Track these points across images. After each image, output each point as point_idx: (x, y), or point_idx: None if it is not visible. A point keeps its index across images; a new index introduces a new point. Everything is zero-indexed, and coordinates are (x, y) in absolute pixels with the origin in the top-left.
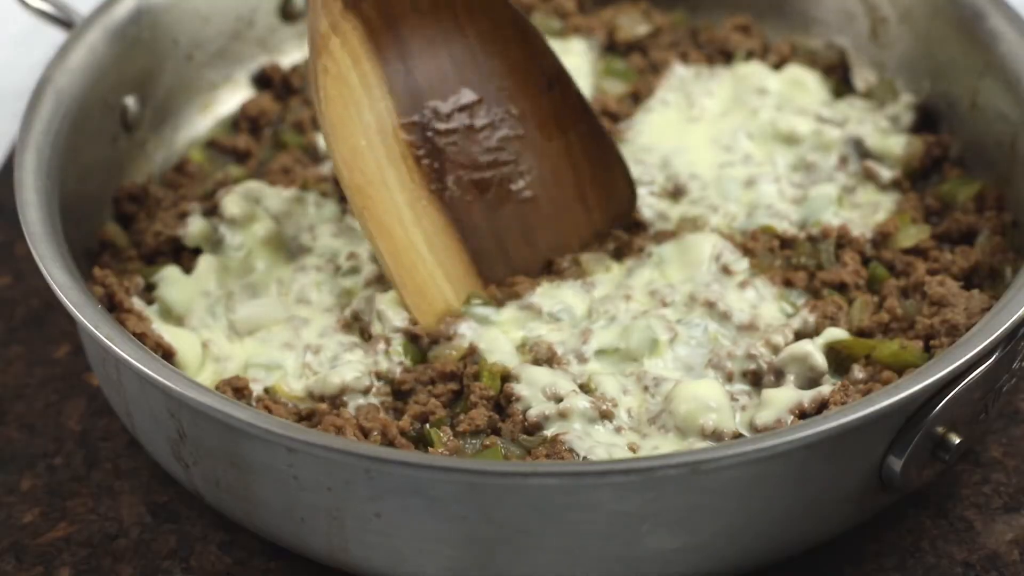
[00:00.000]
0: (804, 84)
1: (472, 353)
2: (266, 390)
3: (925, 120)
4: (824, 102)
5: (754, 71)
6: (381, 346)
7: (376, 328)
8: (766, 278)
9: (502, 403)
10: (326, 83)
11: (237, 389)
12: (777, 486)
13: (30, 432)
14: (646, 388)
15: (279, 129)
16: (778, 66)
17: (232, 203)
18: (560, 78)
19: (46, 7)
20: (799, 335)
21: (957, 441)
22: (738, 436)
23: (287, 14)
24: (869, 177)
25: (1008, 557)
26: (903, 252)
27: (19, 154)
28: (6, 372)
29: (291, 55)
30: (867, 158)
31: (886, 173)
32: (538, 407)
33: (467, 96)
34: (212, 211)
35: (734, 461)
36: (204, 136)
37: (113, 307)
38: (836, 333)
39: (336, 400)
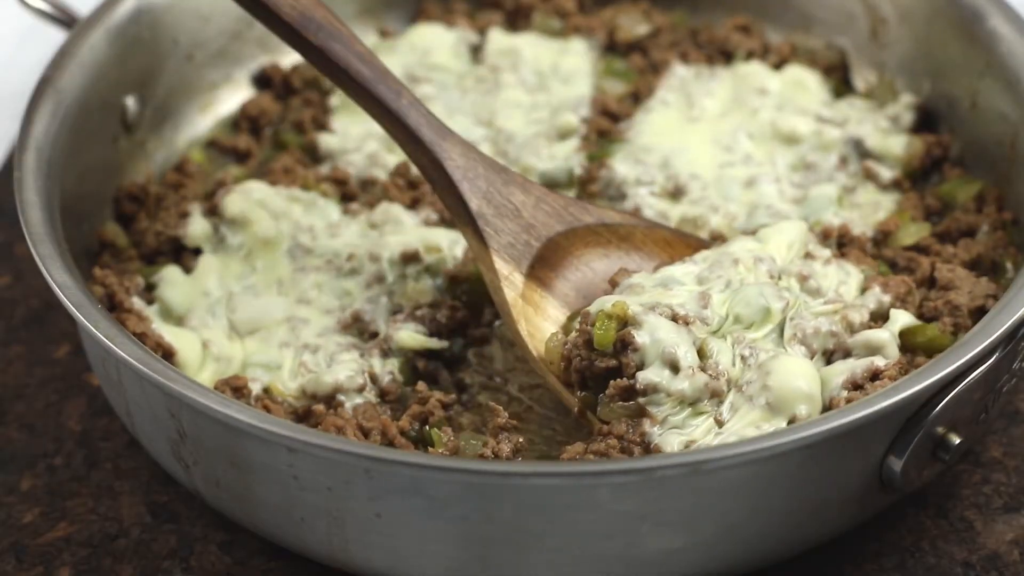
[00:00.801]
0: (804, 84)
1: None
2: (265, 389)
3: (925, 120)
4: (824, 102)
5: (754, 71)
6: (377, 352)
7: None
8: (848, 261)
9: (617, 347)
10: (526, 330)
11: (236, 388)
12: (777, 486)
13: (30, 432)
14: (743, 358)
15: (279, 129)
16: (778, 66)
17: (232, 203)
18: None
19: (46, 7)
20: (874, 315)
21: (957, 441)
22: None
23: None
24: (869, 177)
25: (1008, 557)
26: (904, 250)
27: (19, 154)
28: (6, 372)
29: (291, 55)
30: (867, 158)
31: (886, 173)
32: (652, 373)
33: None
34: (212, 211)
35: (734, 461)
36: (204, 136)
37: (113, 307)
38: (907, 319)
39: (331, 399)
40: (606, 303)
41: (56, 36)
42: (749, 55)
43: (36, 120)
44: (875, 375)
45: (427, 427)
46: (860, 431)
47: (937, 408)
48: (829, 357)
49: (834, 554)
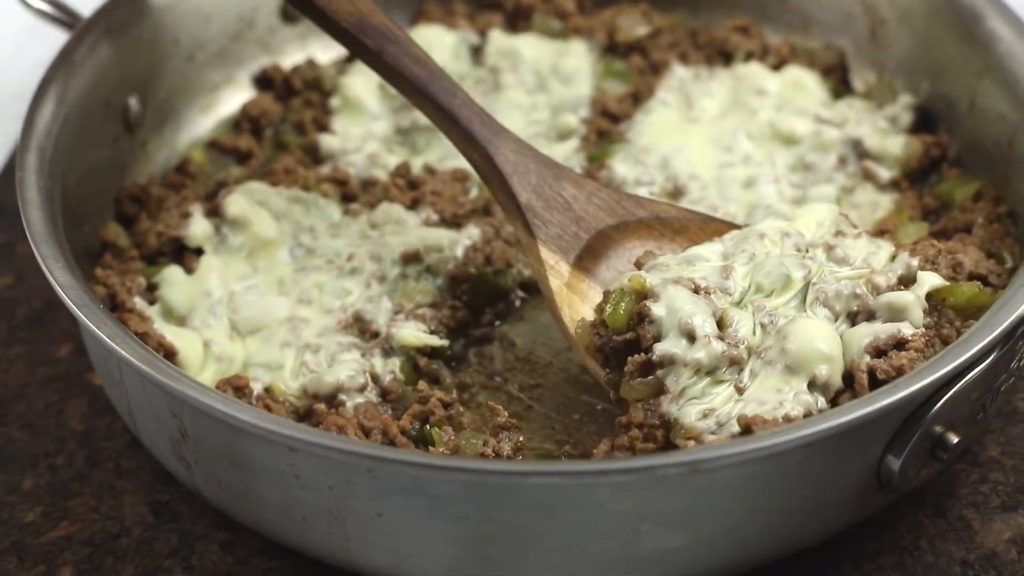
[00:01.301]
0: (803, 85)
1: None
2: (266, 389)
3: (924, 121)
4: (823, 103)
5: (753, 72)
6: (379, 352)
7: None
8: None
9: (634, 320)
10: (569, 316)
11: (238, 388)
12: (776, 485)
13: (32, 432)
14: (763, 325)
15: (280, 130)
16: (777, 67)
17: (233, 203)
18: None
19: (47, 7)
20: (902, 280)
21: (955, 440)
22: (840, 389)
23: (288, 15)
24: (868, 177)
25: (1006, 556)
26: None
27: (21, 154)
28: (8, 372)
29: (292, 56)
30: (866, 158)
31: (885, 173)
32: (669, 344)
33: None
34: (214, 211)
35: (733, 460)
36: (205, 136)
37: (115, 307)
38: (934, 280)
39: (332, 399)
40: (625, 279)
41: (58, 37)
42: (748, 56)
43: (38, 120)
44: (900, 344)
45: (428, 426)
46: (858, 430)
47: (935, 407)
48: (853, 320)
49: (833, 553)
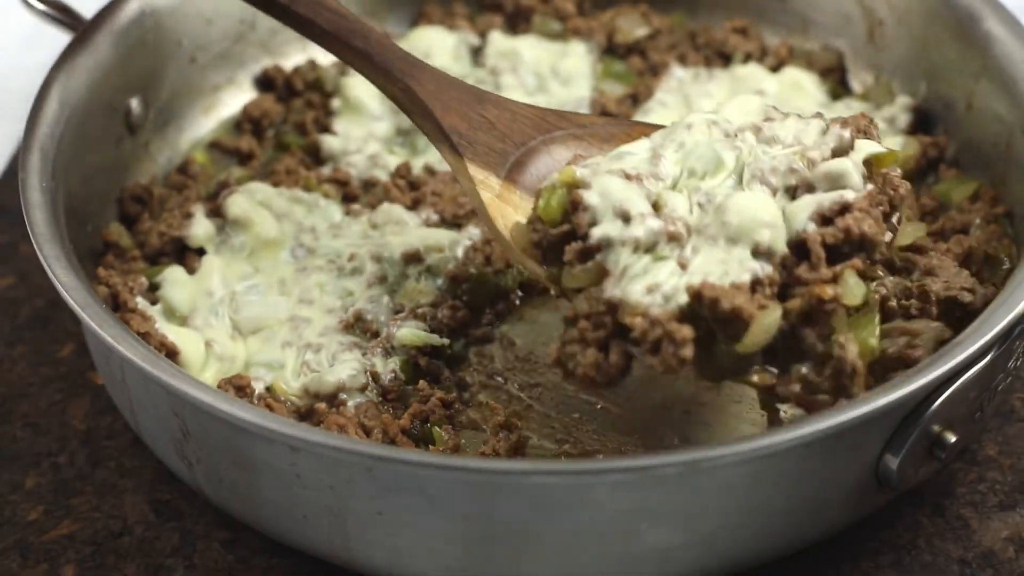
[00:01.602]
0: (801, 86)
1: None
2: (267, 388)
3: (921, 121)
4: (821, 104)
5: (752, 73)
6: (379, 351)
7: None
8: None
9: (567, 210)
10: (503, 225)
11: (239, 387)
12: (774, 484)
13: (34, 431)
14: (700, 205)
15: (281, 130)
16: (776, 68)
17: (235, 204)
18: None
19: (50, 9)
20: (836, 152)
21: (953, 439)
22: (785, 256)
23: None
24: None
25: (1003, 555)
26: (900, 250)
27: (24, 155)
28: (11, 371)
29: (293, 57)
30: None
31: None
32: (605, 227)
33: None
34: (215, 212)
35: (732, 460)
36: (207, 137)
37: (117, 307)
38: (871, 147)
39: (333, 398)
40: (555, 175)
41: (61, 38)
42: (747, 57)
43: (41, 121)
44: (844, 208)
45: (428, 425)
46: (857, 430)
47: (933, 406)
48: (793, 194)
49: (831, 552)
